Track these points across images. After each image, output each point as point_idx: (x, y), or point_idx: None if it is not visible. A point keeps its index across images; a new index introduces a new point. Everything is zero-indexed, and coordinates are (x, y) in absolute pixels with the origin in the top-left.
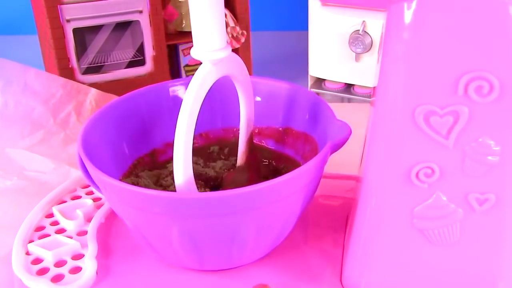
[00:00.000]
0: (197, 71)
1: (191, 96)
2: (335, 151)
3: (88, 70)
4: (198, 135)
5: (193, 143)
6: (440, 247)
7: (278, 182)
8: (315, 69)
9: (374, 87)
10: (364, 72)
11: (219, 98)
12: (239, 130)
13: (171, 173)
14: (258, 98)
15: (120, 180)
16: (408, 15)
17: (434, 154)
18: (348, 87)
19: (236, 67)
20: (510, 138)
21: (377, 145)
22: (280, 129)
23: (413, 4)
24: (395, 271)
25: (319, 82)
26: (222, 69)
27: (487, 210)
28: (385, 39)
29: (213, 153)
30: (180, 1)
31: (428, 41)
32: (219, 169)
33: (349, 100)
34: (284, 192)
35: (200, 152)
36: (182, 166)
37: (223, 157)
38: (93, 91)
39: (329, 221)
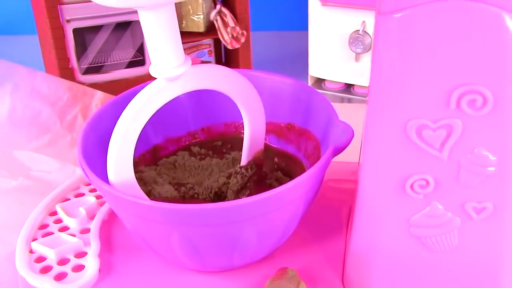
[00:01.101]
0: (147, 86)
1: (130, 114)
2: (337, 154)
3: (88, 70)
4: (200, 130)
5: (195, 138)
6: (438, 253)
7: (281, 191)
8: (315, 69)
9: (368, 88)
10: (364, 72)
11: (219, 93)
12: (240, 124)
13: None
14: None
15: None
16: (396, 28)
17: (428, 166)
18: (348, 87)
19: (216, 81)
20: (506, 149)
21: (371, 156)
22: (283, 124)
23: (401, 16)
24: (394, 276)
25: (319, 82)
26: (185, 85)
27: (485, 218)
28: (374, 51)
29: (217, 146)
30: (180, 1)
31: (418, 55)
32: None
33: (349, 100)
34: (286, 200)
35: (204, 145)
36: (113, 168)
37: (225, 151)
38: (99, 93)
39: (330, 220)
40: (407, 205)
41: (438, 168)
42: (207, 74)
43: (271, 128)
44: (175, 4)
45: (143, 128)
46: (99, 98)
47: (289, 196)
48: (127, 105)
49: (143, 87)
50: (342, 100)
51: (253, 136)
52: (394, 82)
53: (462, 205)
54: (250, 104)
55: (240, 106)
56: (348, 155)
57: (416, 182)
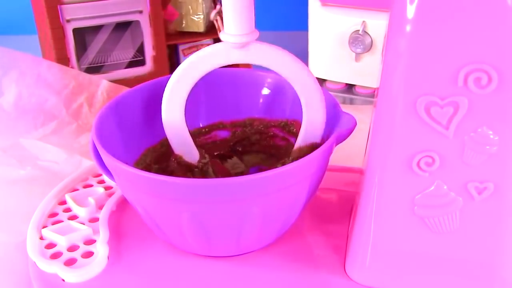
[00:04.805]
0: (213, 44)
1: (187, 64)
2: (341, 141)
3: (88, 70)
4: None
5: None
6: (440, 234)
7: (286, 170)
8: (315, 69)
9: (377, 88)
10: (364, 72)
11: (229, 90)
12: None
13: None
14: (266, 91)
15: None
16: (410, 10)
17: (434, 143)
18: (350, 87)
19: (276, 62)
20: (508, 128)
21: (380, 134)
22: (287, 121)
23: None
24: (396, 258)
25: (320, 82)
26: (246, 55)
27: (486, 199)
28: (388, 33)
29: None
30: (180, 1)
31: (430, 35)
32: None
33: (351, 100)
34: (292, 180)
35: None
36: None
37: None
38: (105, 82)
39: (334, 212)
40: (412, 183)
41: (444, 146)
42: (269, 54)
43: (276, 125)
44: (180, 1)
45: (155, 121)
46: (104, 87)
47: (295, 176)
48: (139, 97)
49: (156, 82)
50: (344, 100)
51: (308, 126)
52: (406, 61)
53: (465, 184)
54: (307, 92)
55: (298, 93)
56: (349, 148)
57: (422, 159)
